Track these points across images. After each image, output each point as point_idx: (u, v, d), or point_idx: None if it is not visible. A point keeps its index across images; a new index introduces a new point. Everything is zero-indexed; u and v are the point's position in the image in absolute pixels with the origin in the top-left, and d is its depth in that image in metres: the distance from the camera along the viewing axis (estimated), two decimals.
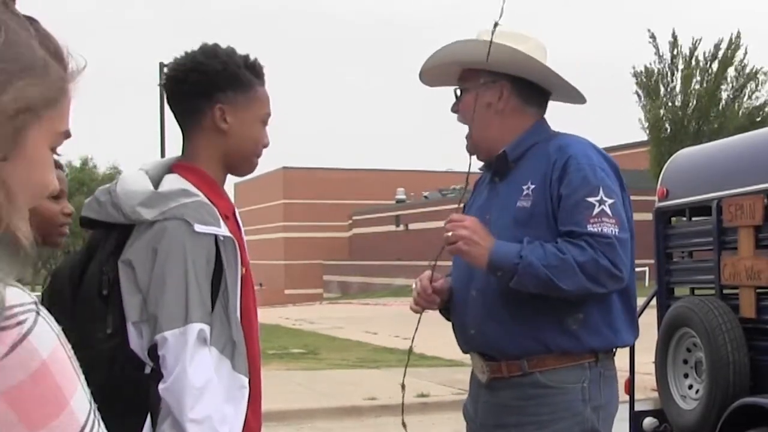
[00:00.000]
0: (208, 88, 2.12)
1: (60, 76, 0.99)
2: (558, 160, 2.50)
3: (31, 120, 0.95)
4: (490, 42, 2.49)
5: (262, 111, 2.20)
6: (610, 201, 2.45)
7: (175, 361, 1.93)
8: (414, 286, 2.69)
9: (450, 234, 2.45)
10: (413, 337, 2.57)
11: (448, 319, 2.78)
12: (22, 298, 0.93)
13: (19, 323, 0.91)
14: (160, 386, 1.94)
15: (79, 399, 0.96)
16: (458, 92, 2.70)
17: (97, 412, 0.99)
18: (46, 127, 0.98)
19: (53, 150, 1.01)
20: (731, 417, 3.96)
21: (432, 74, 2.78)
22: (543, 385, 2.51)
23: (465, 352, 2.75)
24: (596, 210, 2.42)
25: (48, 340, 0.94)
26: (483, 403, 2.65)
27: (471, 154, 2.69)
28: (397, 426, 2.73)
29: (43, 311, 0.96)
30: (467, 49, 2.63)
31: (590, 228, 2.41)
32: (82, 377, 0.98)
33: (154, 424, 1.97)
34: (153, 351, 1.97)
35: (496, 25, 2.49)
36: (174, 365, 1.93)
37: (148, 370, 1.99)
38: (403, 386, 2.67)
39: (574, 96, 2.76)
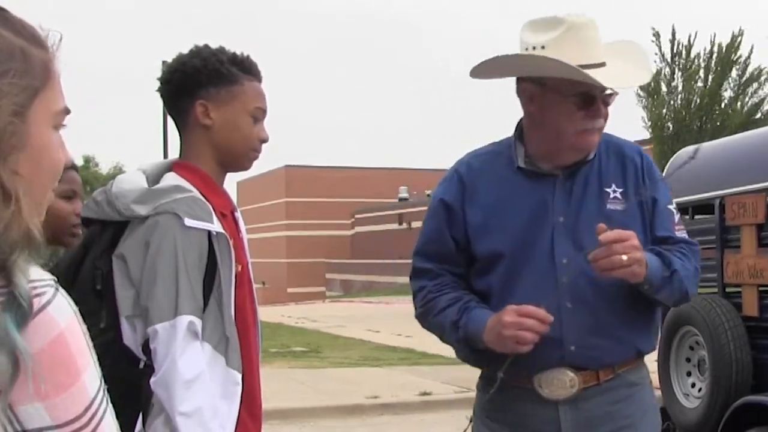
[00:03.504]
0: (190, 86, 2.14)
1: (42, 60, 1.01)
2: (644, 165, 2.48)
3: (25, 112, 0.98)
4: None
5: (250, 105, 2.17)
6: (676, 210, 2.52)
7: (165, 353, 1.92)
8: (516, 318, 2.24)
9: (625, 258, 2.22)
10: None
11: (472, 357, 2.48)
12: (42, 275, 0.99)
13: (39, 295, 0.97)
14: (151, 380, 1.93)
15: (91, 375, 1.00)
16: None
17: (106, 393, 1.02)
18: (43, 112, 1.01)
19: (57, 128, 1.04)
20: (734, 415, 3.96)
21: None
22: (632, 383, 2.48)
23: (540, 371, 2.37)
24: (676, 217, 2.48)
25: (66, 313, 0.99)
26: (567, 421, 2.41)
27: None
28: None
29: (62, 290, 1.01)
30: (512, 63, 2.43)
31: (679, 234, 2.45)
32: (95, 356, 1.02)
33: (145, 420, 1.97)
34: (146, 346, 1.97)
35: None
36: (164, 358, 1.92)
37: (142, 365, 1.99)
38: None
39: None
